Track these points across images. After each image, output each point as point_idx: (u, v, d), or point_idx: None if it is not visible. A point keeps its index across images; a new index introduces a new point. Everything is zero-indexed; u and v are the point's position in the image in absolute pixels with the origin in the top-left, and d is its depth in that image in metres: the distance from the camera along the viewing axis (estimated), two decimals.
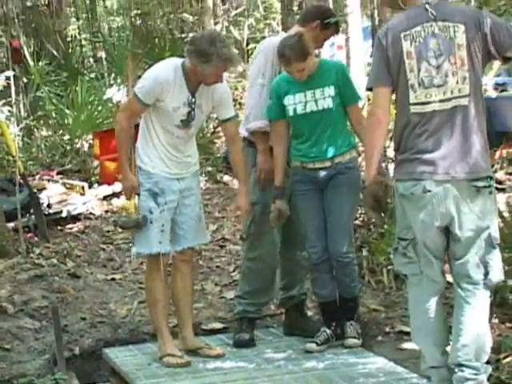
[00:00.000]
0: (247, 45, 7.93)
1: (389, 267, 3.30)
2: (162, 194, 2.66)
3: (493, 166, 3.83)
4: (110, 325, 3.12)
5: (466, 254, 2.09)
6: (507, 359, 2.43)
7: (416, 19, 2.08)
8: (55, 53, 7.40)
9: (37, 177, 5.34)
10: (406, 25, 2.08)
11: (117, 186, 5.10)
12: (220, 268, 3.80)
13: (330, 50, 7.23)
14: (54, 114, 6.43)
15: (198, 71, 2.58)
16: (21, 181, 4.32)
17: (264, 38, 5.82)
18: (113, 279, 3.69)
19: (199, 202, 2.77)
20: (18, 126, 5.58)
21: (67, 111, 6.18)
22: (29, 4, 8.09)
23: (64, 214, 4.63)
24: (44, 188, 4.97)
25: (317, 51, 3.22)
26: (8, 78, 4.70)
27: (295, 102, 2.71)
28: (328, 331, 2.77)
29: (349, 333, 2.77)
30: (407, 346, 2.72)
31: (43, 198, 4.64)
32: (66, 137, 6.29)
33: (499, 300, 2.74)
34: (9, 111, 4.74)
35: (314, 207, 2.74)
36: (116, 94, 6.67)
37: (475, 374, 2.09)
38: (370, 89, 2.19)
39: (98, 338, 3.01)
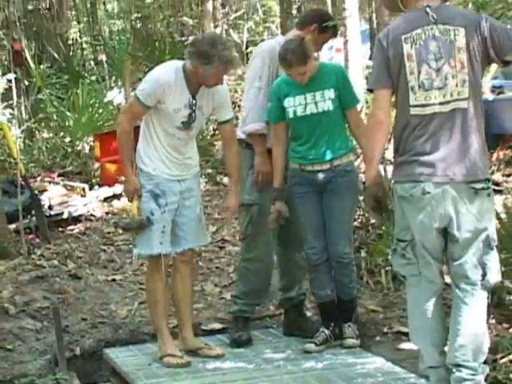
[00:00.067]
0: (246, 48, 7.97)
1: (387, 268, 3.32)
2: (163, 195, 2.67)
3: (490, 167, 3.85)
4: (111, 325, 3.14)
5: (464, 254, 2.11)
6: (504, 359, 2.45)
7: (417, 22, 2.09)
8: (56, 56, 7.44)
9: (38, 179, 5.37)
10: (407, 27, 2.10)
11: (117, 188, 5.13)
12: (219, 269, 3.82)
13: (329, 53, 7.26)
14: (55, 117, 6.46)
15: (199, 73, 2.60)
16: (22, 183, 4.35)
17: (263, 41, 5.85)
18: (113, 280, 3.70)
19: (199, 203, 2.79)
20: (19, 128, 5.61)
21: (68, 114, 6.21)
22: (30, 7, 8.13)
23: (65, 216, 4.65)
24: (45, 190, 4.99)
25: (315, 54, 3.25)
26: (10, 81, 4.72)
27: (295, 104, 2.74)
28: (326, 331, 2.79)
29: (347, 334, 2.79)
30: (405, 346, 2.73)
31: (44, 199, 4.66)
32: (67, 139, 6.32)
33: (496, 301, 2.75)
34: (10, 113, 4.76)
35: (313, 209, 2.76)
36: (117, 96, 6.71)
37: (473, 375, 2.11)
38: (370, 90, 2.21)
39: (99, 339, 3.03)
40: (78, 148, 6.10)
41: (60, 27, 7.97)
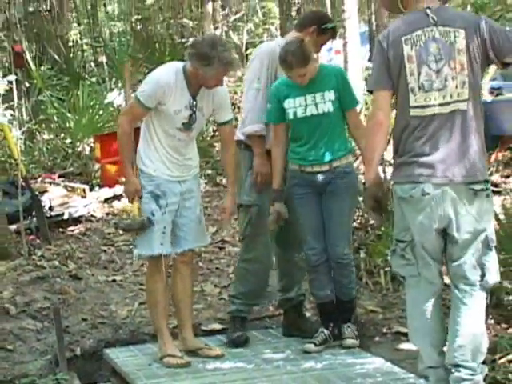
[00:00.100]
0: (246, 49, 7.98)
1: (386, 269, 3.33)
2: (163, 196, 2.68)
3: (488, 168, 3.86)
4: (111, 326, 3.15)
5: (463, 255, 2.12)
6: (503, 359, 2.46)
7: (417, 24, 2.10)
8: (57, 57, 7.46)
9: (39, 180, 5.38)
10: (407, 29, 2.10)
11: (117, 189, 5.15)
12: (219, 270, 3.83)
13: (328, 55, 7.28)
14: (55, 118, 6.48)
15: (199, 74, 2.61)
16: (23, 184, 4.36)
17: (263, 42, 5.86)
18: (114, 281, 3.71)
19: (199, 204, 2.80)
20: (20, 129, 5.63)
21: (69, 115, 6.23)
22: (31, 9, 8.15)
23: (65, 217, 4.66)
24: (46, 191, 5.00)
25: (315, 56, 3.26)
26: (10, 83, 4.74)
27: (295, 106, 2.75)
28: (326, 332, 2.80)
29: (346, 334, 2.80)
30: (404, 346, 2.74)
31: (45, 200, 4.68)
32: (68, 140, 6.34)
33: (495, 301, 2.76)
34: (11, 115, 4.79)
35: (312, 210, 2.77)
36: (117, 98, 6.73)
37: (471, 375, 2.12)
38: (370, 91, 2.22)
39: (99, 339, 3.03)
40: (79, 149, 6.12)
41: (60, 29, 8.00)
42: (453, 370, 2.13)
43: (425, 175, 2.08)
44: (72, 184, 5.30)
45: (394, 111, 2.20)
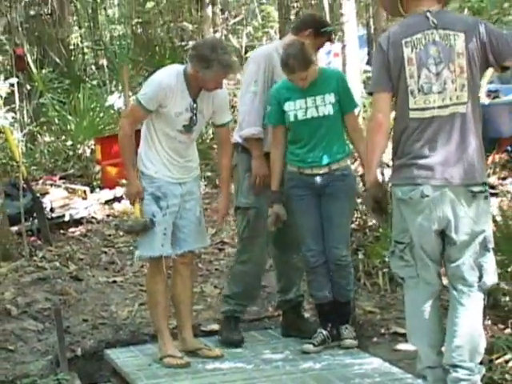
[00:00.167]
0: (245, 53, 8.01)
1: (384, 270, 3.35)
2: (164, 197, 2.70)
3: (486, 170, 3.87)
4: (112, 326, 3.17)
5: (461, 256, 2.13)
6: (500, 360, 2.47)
7: (417, 26, 2.11)
8: (58, 60, 7.48)
9: (40, 181, 5.39)
10: (407, 32, 2.11)
11: (118, 191, 5.17)
12: (219, 271, 3.84)
13: (327, 58, 7.30)
14: (56, 121, 6.50)
15: (199, 77, 2.63)
16: (24, 185, 4.37)
17: (262, 45, 5.89)
18: (114, 282, 3.73)
19: (200, 205, 2.82)
20: (21, 131, 5.65)
21: (70, 117, 6.25)
22: (32, 13, 8.17)
23: (66, 218, 4.68)
24: (47, 192, 5.01)
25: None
26: (12, 85, 4.76)
27: (296, 108, 2.77)
28: (324, 332, 2.82)
29: (345, 335, 2.81)
30: (402, 346, 2.76)
31: (46, 202, 4.69)
32: (69, 142, 6.35)
33: (492, 302, 2.77)
34: (13, 117, 4.80)
35: (311, 212, 2.79)
36: (117, 100, 6.75)
37: (469, 375, 2.13)
38: (370, 93, 2.24)
39: (100, 339, 3.05)
40: (80, 151, 6.13)
41: (62, 32, 8.02)
42: (450, 371, 2.14)
43: (424, 177, 2.10)
44: (73, 186, 5.31)
45: (394, 113, 2.21)
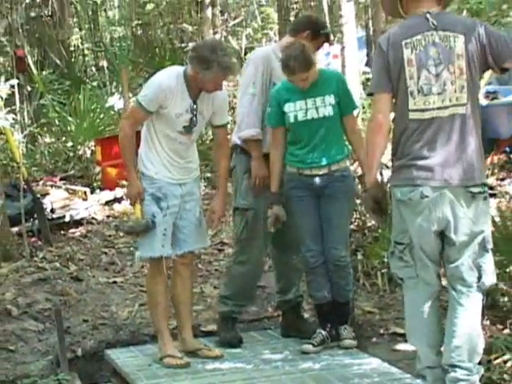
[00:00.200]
0: (245, 54, 8.03)
1: (383, 270, 3.36)
2: (164, 198, 2.71)
3: (485, 171, 3.88)
4: (112, 327, 3.17)
5: (461, 257, 2.14)
6: (498, 360, 2.48)
7: (417, 28, 2.12)
8: (58, 62, 7.50)
9: (40, 182, 5.40)
10: (407, 33, 2.13)
11: (118, 192, 5.18)
12: (219, 271, 3.84)
13: (326, 59, 7.32)
14: (57, 122, 6.52)
15: (199, 78, 2.64)
16: (25, 186, 4.38)
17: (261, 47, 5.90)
18: (114, 282, 3.73)
19: (200, 206, 2.83)
20: (22, 133, 5.65)
21: (70, 119, 6.26)
22: (33, 15, 8.20)
23: (67, 219, 4.68)
24: (47, 193, 5.02)
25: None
26: (12, 87, 4.77)
27: (296, 109, 2.78)
28: (323, 332, 2.83)
29: (344, 335, 2.83)
30: (401, 347, 2.77)
31: (46, 203, 4.70)
32: (69, 143, 6.37)
33: (490, 302, 2.78)
34: (13, 119, 4.81)
35: (310, 212, 2.80)
36: (117, 102, 6.77)
37: (468, 375, 2.14)
38: (370, 94, 2.25)
39: (100, 340, 3.06)
40: (80, 152, 6.15)
41: (62, 34, 8.04)
42: (449, 371, 2.15)
43: (423, 178, 2.10)
44: (73, 187, 5.32)
45: (393, 114, 2.22)
